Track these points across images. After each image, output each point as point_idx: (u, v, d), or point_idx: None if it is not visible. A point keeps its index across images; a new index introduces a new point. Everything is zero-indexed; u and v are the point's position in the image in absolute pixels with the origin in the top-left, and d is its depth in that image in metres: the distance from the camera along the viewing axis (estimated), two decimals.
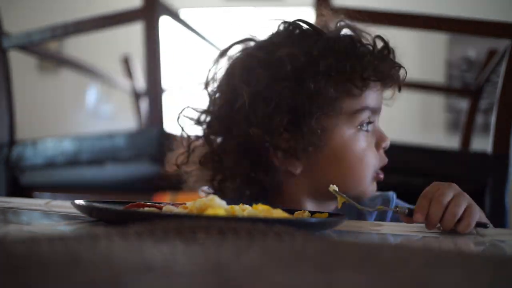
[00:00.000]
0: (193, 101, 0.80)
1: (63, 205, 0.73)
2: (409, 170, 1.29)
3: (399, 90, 0.77)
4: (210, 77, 0.78)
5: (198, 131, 0.79)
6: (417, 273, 0.28)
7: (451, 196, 0.60)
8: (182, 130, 0.78)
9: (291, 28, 0.75)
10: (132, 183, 1.52)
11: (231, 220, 0.47)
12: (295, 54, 0.69)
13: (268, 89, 0.69)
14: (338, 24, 0.76)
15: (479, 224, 0.60)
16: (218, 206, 0.50)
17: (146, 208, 0.55)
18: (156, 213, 0.51)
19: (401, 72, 0.74)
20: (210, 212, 0.49)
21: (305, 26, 0.74)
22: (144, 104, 2.53)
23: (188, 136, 0.79)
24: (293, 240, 0.34)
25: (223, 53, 0.79)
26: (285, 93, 0.69)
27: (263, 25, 0.78)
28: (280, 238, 0.34)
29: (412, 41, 3.45)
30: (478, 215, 0.60)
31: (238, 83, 0.71)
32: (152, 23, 1.47)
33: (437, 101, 3.65)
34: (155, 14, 1.47)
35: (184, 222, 0.36)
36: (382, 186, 0.78)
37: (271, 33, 0.77)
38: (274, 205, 0.55)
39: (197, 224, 0.36)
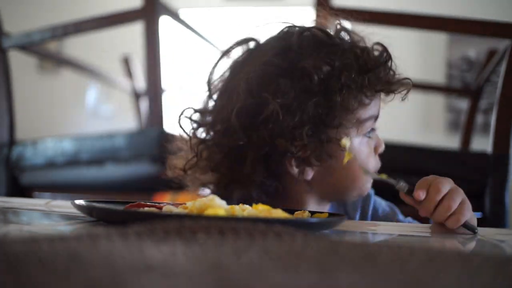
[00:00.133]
0: (193, 101, 0.79)
1: (63, 205, 0.73)
2: (409, 170, 1.29)
3: (403, 99, 0.78)
4: (214, 79, 0.78)
5: (202, 133, 0.78)
6: (417, 273, 0.28)
7: (449, 188, 0.62)
8: (185, 132, 0.78)
9: (307, 35, 0.74)
10: (132, 183, 1.52)
11: (231, 220, 0.47)
12: (320, 66, 0.70)
13: (296, 101, 0.70)
14: (337, 27, 0.76)
15: (468, 226, 0.61)
16: (218, 206, 0.50)
17: (146, 208, 0.55)
18: (156, 213, 0.51)
19: (407, 82, 0.76)
20: (210, 212, 0.49)
21: (320, 33, 0.74)
22: (144, 104, 2.53)
23: (190, 138, 0.78)
24: (293, 240, 0.34)
25: (225, 54, 0.79)
26: (312, 105, 0.70)
27: (264, 25, 0.78)
28: (280, 238, 0.34)
29: (412, 41, 3.45)
30: (470, 214, 0.61)
31: (263, 92, 0.70)
32: (152, 23, 1.47)
33: (437, 101, 3.65)
34: (155, 14, 1.47)
35: (184, 222, 0.36)
36: (382, 186, 0.78)
37: (281, 37, 0.76)
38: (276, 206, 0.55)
39: (197, 224, 0.36)
